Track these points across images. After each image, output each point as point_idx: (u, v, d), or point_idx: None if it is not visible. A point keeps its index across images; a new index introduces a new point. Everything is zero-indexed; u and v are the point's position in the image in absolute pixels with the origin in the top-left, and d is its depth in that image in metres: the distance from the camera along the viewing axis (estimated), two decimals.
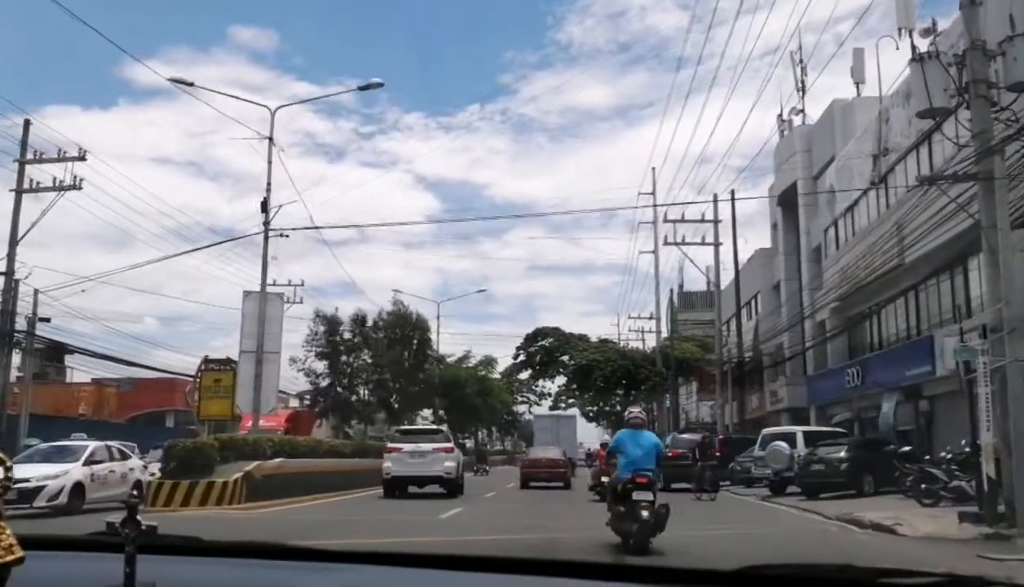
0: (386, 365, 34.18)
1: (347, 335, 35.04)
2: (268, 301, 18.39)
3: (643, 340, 77.52)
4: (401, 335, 35.94)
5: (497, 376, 50.31)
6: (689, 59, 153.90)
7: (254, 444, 16.81)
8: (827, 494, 18.66)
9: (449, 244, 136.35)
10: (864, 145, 25.87)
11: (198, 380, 17.93)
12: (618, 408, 79.45)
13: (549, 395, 75.89)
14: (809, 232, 32.99)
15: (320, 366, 35.18)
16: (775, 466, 20.91)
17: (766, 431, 22.21)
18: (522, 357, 76.67)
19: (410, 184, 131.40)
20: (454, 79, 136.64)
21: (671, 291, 74.45)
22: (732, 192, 37.67)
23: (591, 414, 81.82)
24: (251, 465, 15.02)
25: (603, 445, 23.04)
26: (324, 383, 35.36)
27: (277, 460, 16.37)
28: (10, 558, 1.16)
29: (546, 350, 75.63)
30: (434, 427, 26.97)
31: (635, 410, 11.00)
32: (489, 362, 48.22)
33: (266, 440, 17.39)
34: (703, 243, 38.72)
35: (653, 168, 73.15)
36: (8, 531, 1.20)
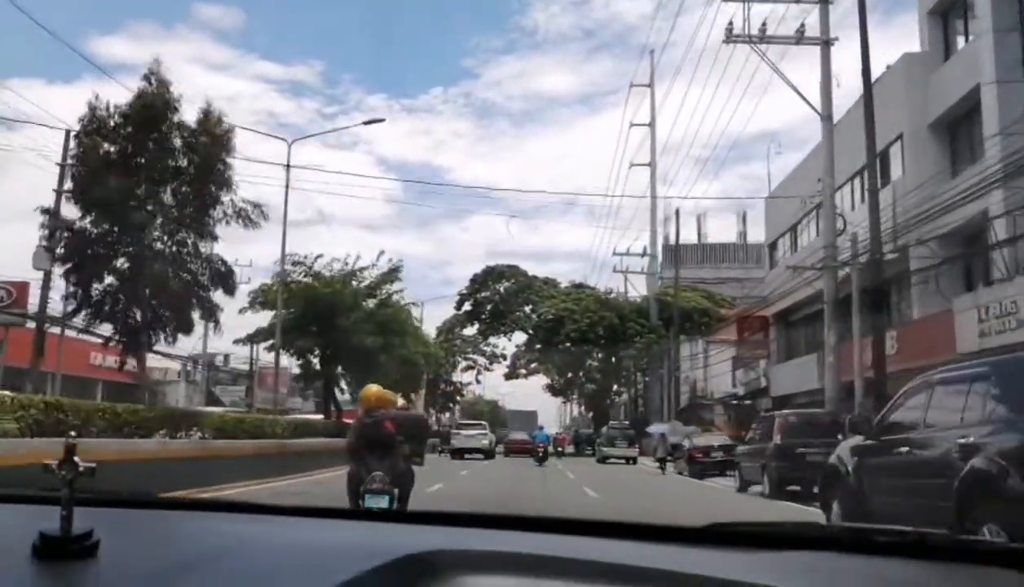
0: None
1: None
2: None
3: (627, 284, 58.84)
4: (153, 145, 14.73)
5: (401, 300, 30.39)
6: (654, 46, 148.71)
7: None
8: None
9: (409, 228, 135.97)
10: None
11: None
12: (597, 376, 60.64)
13: (503, 357, 56.84)
14: None
15: None
16: None
17: None
18: (468, 306, 57.60)
19: (372, 165, 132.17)
20: (418, 61, 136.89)
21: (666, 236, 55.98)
22: None
23: (558, 385, 62.70)
24: None
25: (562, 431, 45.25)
26: None
27: None
28: None
29: (501, 298, 56.56)
30: (478, 421, 43.12)
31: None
32: (392, 272, 28.68)
33: None
34: (800, 40, 20.04)
35: (651, 52, 54.19)
36: None
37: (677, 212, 46.18)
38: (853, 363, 19.91)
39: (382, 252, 29.33)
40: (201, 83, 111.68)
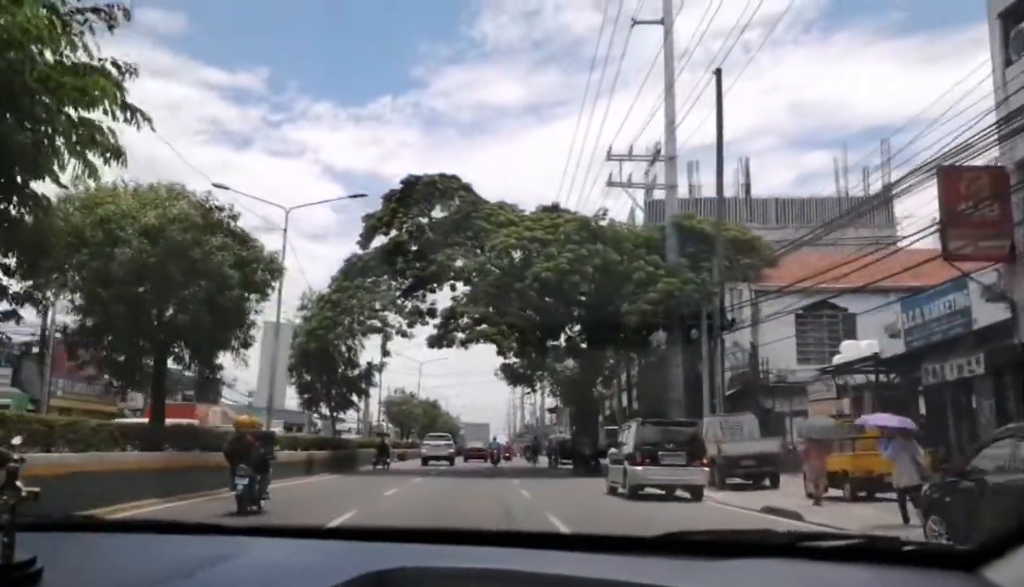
0: None
1: None
2: None
3: (613, 216, 39.17)
4: None
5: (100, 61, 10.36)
6: (602, 59, 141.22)
7: None
8: None
9: (353, 234, 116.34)
10: None
11: None
12: (583, 347, 40.66)
13: (431, 315, 36.73)
14: None
15: None
16: None
17: None
18: (380, 241, 37.72)
19: (318, 174, 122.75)
20: (366, 69, 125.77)
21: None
22: None
23: (520, 365, 42.01)
24: None
25: (512, 441, 65.73)
26: None
27: None
28: None
29: (433, 225, 36.97)
30: (444, 433, 51.85)
31: (499, 437, 57.77)
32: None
33: None
34: None
35: None
36: None
37: (719, 72, 26.70)
38: None
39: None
40: (143, 88, 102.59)
